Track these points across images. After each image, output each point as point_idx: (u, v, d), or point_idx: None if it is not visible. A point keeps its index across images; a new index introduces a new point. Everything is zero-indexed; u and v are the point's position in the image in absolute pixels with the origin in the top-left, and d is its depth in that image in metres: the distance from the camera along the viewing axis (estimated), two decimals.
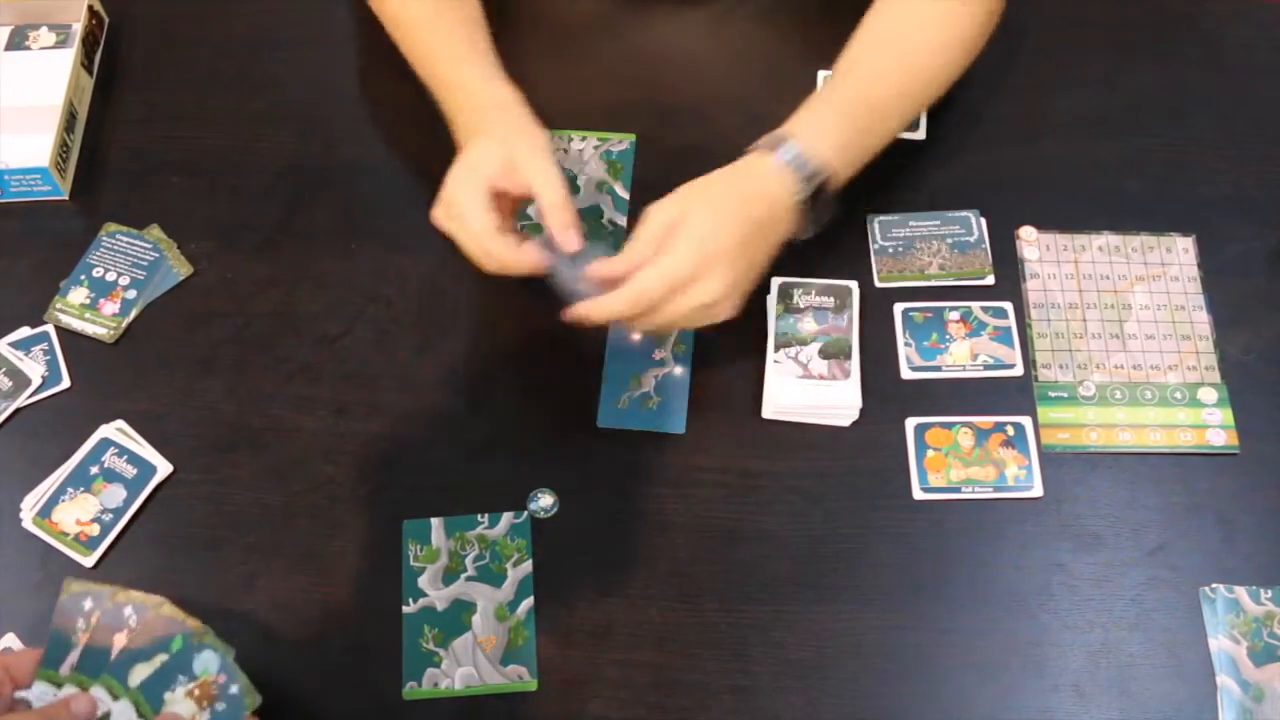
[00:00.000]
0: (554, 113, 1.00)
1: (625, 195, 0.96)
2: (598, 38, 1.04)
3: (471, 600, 0.81)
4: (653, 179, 0.97)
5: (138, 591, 0.72)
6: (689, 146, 0.98)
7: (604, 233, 0.94)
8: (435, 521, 0.83)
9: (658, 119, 1.00)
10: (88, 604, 0.72)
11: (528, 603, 0.80)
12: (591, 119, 1.00)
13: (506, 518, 0.83)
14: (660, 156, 0.98)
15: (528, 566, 0.82)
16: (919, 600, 0.80)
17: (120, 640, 0.71)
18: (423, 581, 0.81)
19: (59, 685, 0.70)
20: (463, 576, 0.82)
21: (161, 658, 0.71)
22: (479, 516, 0.83)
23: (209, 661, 0.71)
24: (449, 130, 0.89)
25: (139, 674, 0.71)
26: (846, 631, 0.79)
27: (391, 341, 0.91)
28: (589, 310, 0.80)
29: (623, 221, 0.95)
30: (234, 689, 0.71)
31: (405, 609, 0.80)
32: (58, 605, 0.71)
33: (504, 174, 0.82)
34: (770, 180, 0.82)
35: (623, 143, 0.99)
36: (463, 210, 0.82)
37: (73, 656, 0.71)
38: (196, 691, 0.71)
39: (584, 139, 0.99)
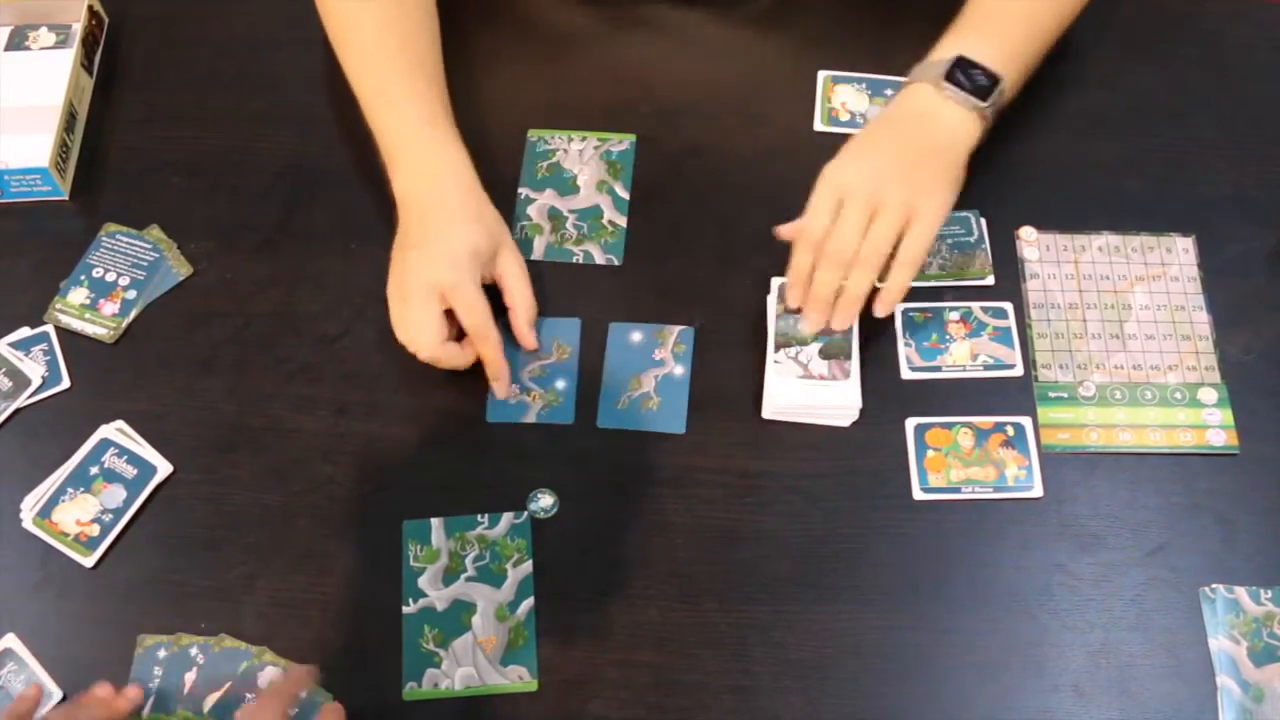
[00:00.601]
0: (554, 113, 1.00)
1: (625, 195, 0.96)
2: (598, 38, 1.04)
3: (471, 600, 0.81)
4: (653, 179, 0.97)
5: (198, 636, 0.79)
6: (689, 146, 0.99)
7: (604, 232, 0.94)
8: (435, 521, 0.83)
9: (658, 119, 1.00)
10: (161, 653, 0.78)
11: (528, 603, 0.80)
12: (591, 119, 1.00)
13: (506, 518, 0.83)
14: (660, 156, 0.98)
15: (528, 567, 0.82)
16: (919, 600, 0.80)
17: (191, 676, 0.77)
18: (423, 582, 0.81)
19: None
20: (463, 577, 0.82)
21: (228, 684, 0.77)
22: (479, 517, 0.83)
23: (273, 675, 0.77)
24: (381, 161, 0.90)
25: (210, 700, 0.77)
26: (846, 631, 0.79)
27: (391, 341, 0.90)
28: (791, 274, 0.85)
29: (622, 222, 0.95)
30: (301, 695, 0.76)
31: (405, 609, 0.80)
32: (135, 658, 0.78)
33: (487, 264, 0.86)
34: (916, 91, 0.86)
35: (623, 143, 0.99)
36: (467, 298, 0.83)
37: (150, 701, 0.77)
38: None
39: (584, 139, 0.99)
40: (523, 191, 0.97)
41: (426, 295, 0.83)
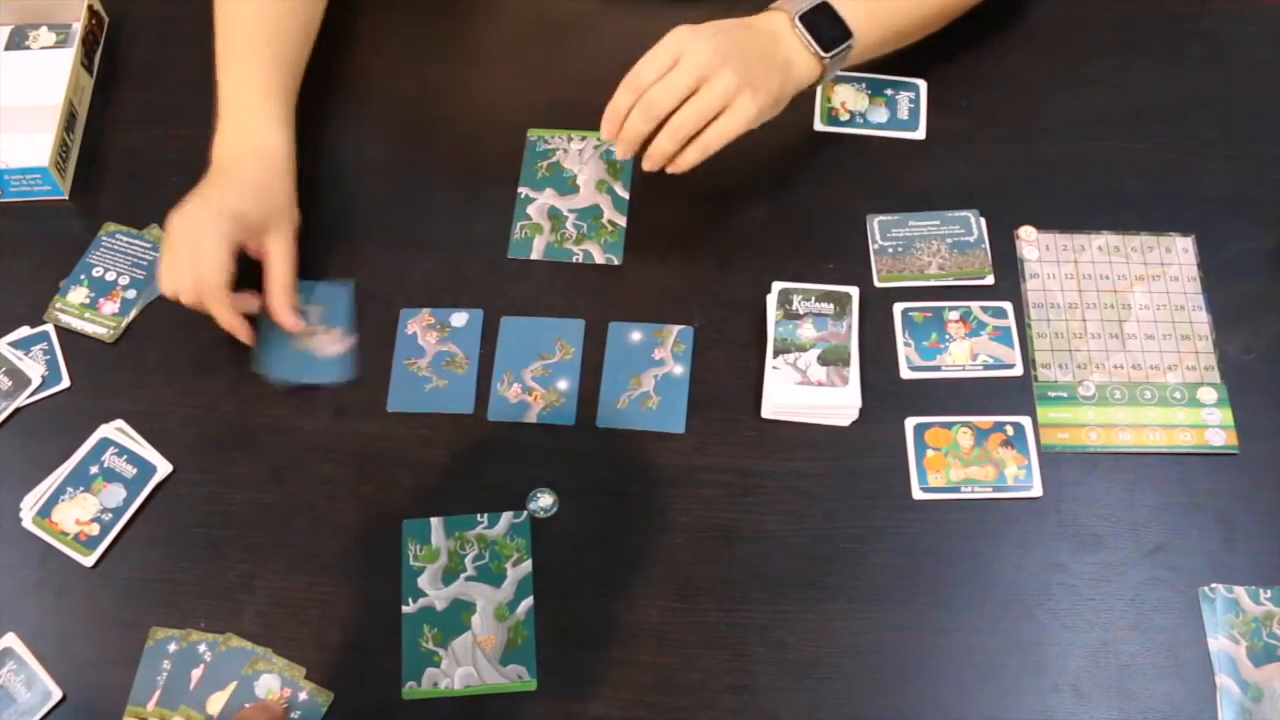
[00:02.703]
0: (553, 113, 1.00)
1: (625, 195, 0.96)
2: (597, 37, 1.04)
3: (471, 600, 0.81)
4: (653, 179, 0.97)
5: (207, 634, 0.80)
6: None
7: (604, 232, 0.94)
8: (435, 521, 0.83)
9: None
10: (171, 647, 0.79)
11: (527, 602, 0.81)
12: (591, 119, 1.00)
13: (506, 517, 0.83)
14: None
15: (527, 566, 0.82)
16: (919, 600, 0.80)
17: (197, 674, 0.78)
18: (422, 581, 0.81)
19: None
20: (462, 576, 0.82)
21: (233, 685, 0.77)
22: (478, 516, 0.83)
23: (270, 683, 0.77)
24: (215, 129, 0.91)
25: (216, 702, 0.77)
26: (846, 631, 0.80)
27: (391, 341, 0.91)
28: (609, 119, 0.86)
29: (622, 221, 0.95)
30: (303, 695, 0.77)
31: (405, 609, 0.80)
32: (145, 650, 0.79)
33: (250, 235, 0.87)
34: (774, 16, 0.88)
35: None
36: (207, 248, 0.84)
37: (157, 693, 0.77)
38: None
39: (584, 139, 0.99)
40: (523, 191, 0.97)
41: (179, 236, 0.85)
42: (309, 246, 0.95)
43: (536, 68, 1.04)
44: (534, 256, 0.94)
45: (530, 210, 0.96)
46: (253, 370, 0.88)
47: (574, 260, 0.94)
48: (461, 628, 0.80)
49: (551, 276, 0.93)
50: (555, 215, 0.96)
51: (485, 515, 0.83)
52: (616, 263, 0.93)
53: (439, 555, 0.82)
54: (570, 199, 0.96)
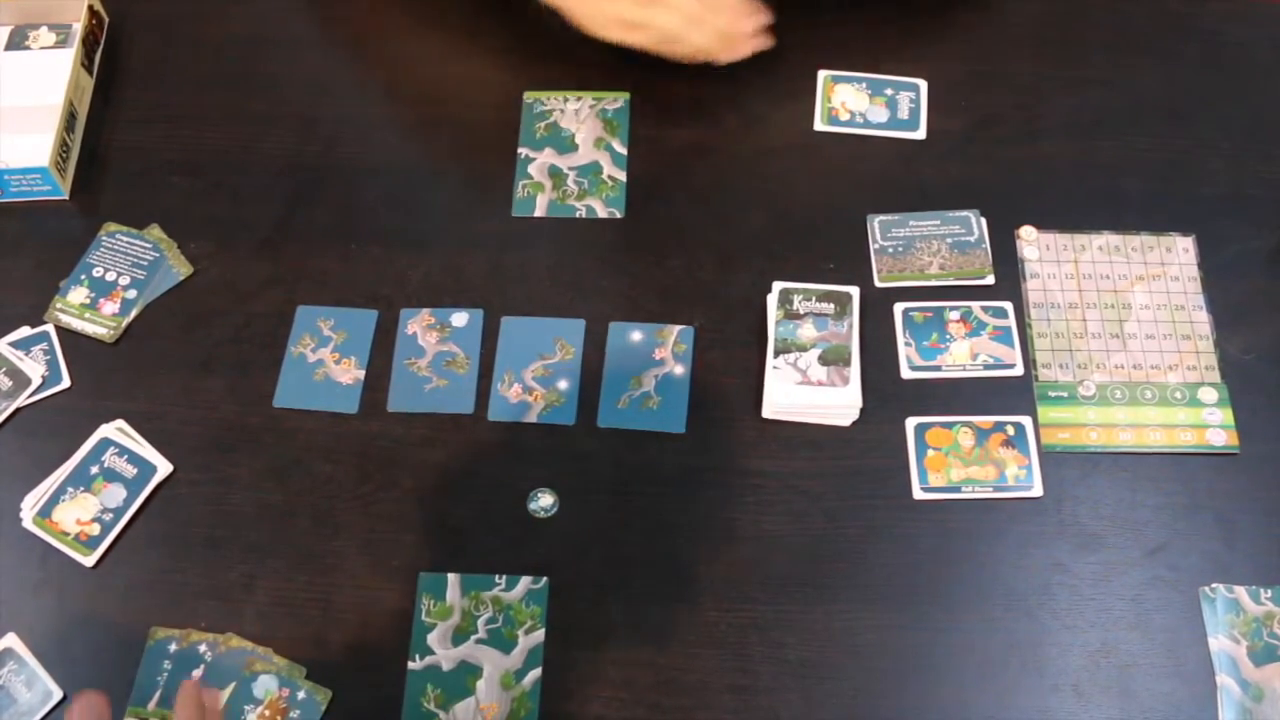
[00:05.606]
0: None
1: (623, 151, 0.97)
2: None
3: (478, 664, 0.79)
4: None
5: (207, 634, 0.79)
6: (689, 147, 0.99)
7: (605, 187, 0.95)
8: (452, 578, 0.81)
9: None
10: (171, 647, 0.79)
11: (535, 673, 0.78)
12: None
13: (524, 582, 0.81)
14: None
15: (540, 635, 0.79)
16: (919, 600, 0.80)
17: (197, 674, 0.78)
18: (432, 639, 0.79)
19: None
20: (472, 638, 0.79)
21: (233, 685, 0.77)
22: (496, 578, 0.81)
23: (267, 683, 0.77)
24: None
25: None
26: (846, 631, 0.80)
27: (391, 341, 0.91)
28: None
29: (622, 176, 0.96)
30: (301, 694, 0.77)
31: (411, 665, 0.79)
32: (146, 650, 0.79)
33: None
34: None
35: (618, 100, 0.99)
36: None
37: (158, 693, 0.77)
38: (266, 713, 0.77)
39: (579, 99, 1.00)
40: (522, 151, 0.97)
41: None
42: (310, 247, 0.95)
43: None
44: (537, 214, 0.95)
45: (531, 169, 0.97)
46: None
47: (577, 215, 0.94)
48: (465, 692, 0.78)
49: (552, 276, 0.93)
50: (556, 173, 0.96)
51: (503, 577, 0.81)
52: (619, 215, 0.94)
53: (452, 613, 0.80)
54: (569, 157, 0.97)
